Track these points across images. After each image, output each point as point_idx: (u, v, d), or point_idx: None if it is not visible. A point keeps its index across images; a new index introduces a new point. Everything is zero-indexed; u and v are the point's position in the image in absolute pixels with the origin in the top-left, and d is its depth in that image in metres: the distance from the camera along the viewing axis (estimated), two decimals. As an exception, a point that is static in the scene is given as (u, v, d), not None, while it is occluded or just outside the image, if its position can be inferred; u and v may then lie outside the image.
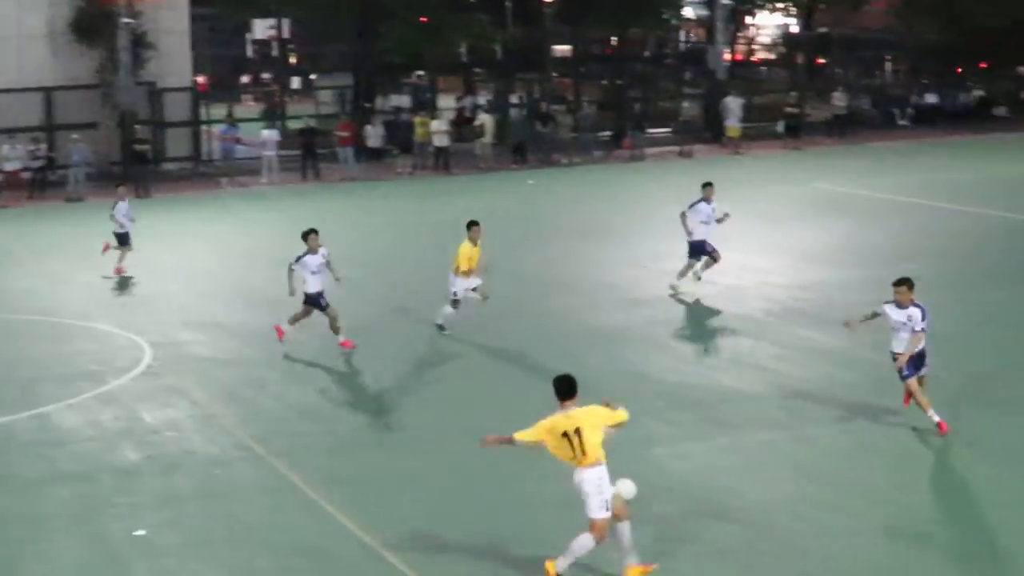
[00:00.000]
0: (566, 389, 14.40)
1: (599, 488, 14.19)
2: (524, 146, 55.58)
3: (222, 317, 28.83)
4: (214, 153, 56.25)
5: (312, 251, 25.37)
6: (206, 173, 55.24)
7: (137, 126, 52.03)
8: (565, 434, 14.15)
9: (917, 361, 19.27)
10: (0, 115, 52.56)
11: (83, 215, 44.85)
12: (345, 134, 53.65)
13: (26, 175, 50.35)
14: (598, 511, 14.21)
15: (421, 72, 70.36)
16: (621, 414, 14.49)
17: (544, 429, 14.36)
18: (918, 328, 18.75)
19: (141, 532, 16.70)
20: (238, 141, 54.16)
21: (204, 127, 57.62)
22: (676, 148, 58.05)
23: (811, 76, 77.70)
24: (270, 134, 53.24)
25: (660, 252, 34.38)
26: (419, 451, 19.65)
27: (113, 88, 52.39)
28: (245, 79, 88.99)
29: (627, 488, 14.58)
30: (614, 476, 14.38)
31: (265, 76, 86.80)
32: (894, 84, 75.07)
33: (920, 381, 19.38)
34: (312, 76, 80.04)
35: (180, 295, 31.23)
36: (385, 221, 42.71)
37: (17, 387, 23.63)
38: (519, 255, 34.66)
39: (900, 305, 18.96)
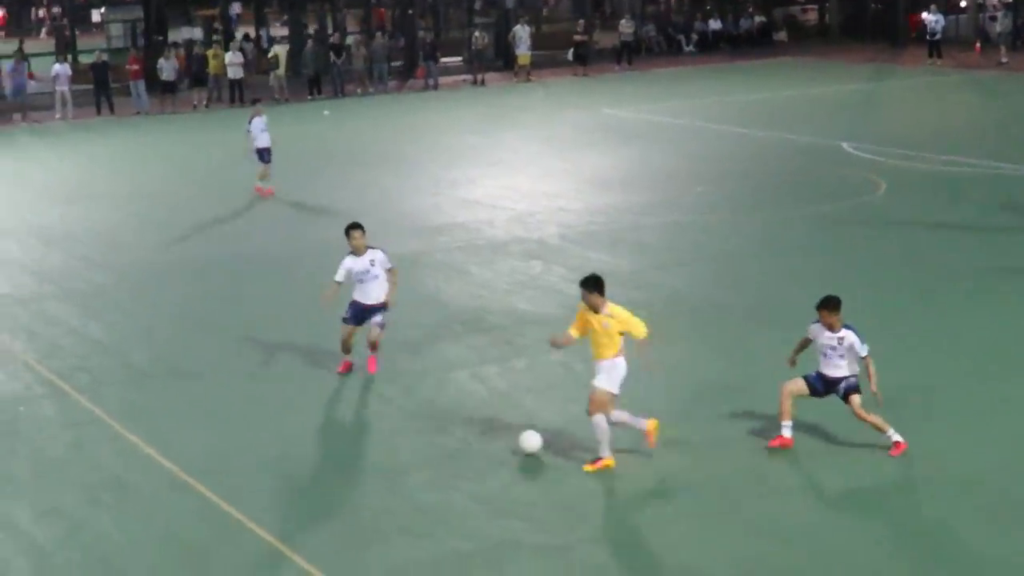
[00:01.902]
0: (592, 285, 16.06)
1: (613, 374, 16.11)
2: (318, 77, 55.53)
3: (17, 254, 28.60)
4: (5, 90, 55.12)
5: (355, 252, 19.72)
6: (-1, 109, 54.21)
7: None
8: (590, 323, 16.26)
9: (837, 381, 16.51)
10: None
11: None
12: (135, 67, 53.07)
13: None
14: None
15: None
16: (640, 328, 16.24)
17: (581, 320, 16.35)
18: (864, 353, 16.16)
19: (-54, 472, 16.77)
20: (30, 77, 53.13)
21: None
22: (469, 77, 58.53)
23: (598, 5, 78.52)
24: (61, 68, 52.39)
25: (455, 180, 34.87)
26: (213, 383, 19.91)
27: None
28: (40, 14, 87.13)
29: (531, 440, 16.40)
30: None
31: (56, 10, 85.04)
32: (678, 11, 76.31)
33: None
34: (101, 9, 78.55)
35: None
36: (176, 154, 42.47)
37: None
38: (314, 186, 34.86)
39: (830, 328, 16.33)
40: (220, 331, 22.33)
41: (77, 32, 70.15)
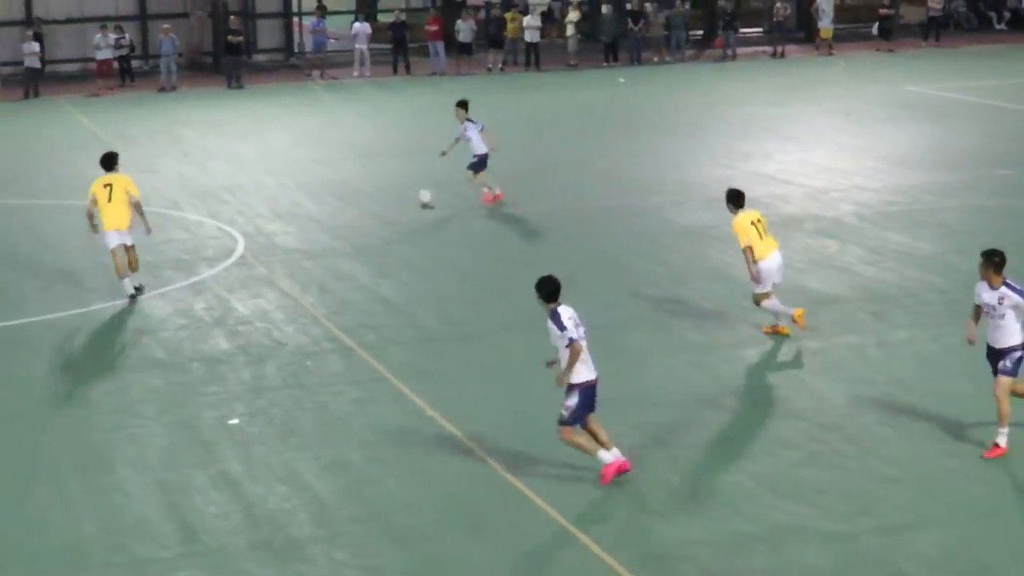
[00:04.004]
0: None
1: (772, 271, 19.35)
2: (615, 43, 55.17)
3: (311, 209, 28.98)
4: (306, 45, 56.28)
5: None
6: (297, 65, 55.38)
7: (232, 16, 52.10)
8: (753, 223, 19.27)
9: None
10: (94, 4, 52.94)
11: (174, 105, 45.14)
12: (434, 28, 53.49)
13: (116, 64, 50.68)
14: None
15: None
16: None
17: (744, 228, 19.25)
18: None
19: (235, 421, 16.95)
20: (329, 35, 54.17)
21: (296, 19, 57.69)
22: (768, 49, 57.45)
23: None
24: (361, 27, 53.13)
25: (749, 152, 34.19)
26: (499, 348, 19.77)
27: (205, -22, 52.59)
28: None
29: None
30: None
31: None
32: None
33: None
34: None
35: (269, 186, 31.42)
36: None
37: (106, 275, 23.82)
38: (606, 153, 34.56)
39: (990, 285, 15.22)
40: (511, 295, 22.09)
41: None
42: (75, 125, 41.31)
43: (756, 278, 19.33)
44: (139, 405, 17.66)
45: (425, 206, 26.91)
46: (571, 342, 14.36)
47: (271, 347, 19.85)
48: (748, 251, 19.23)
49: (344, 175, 32.42)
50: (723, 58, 55.72)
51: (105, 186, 22.11)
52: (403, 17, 54.19)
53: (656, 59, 55.19)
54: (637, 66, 53.94)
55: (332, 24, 54.95)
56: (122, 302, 22.09)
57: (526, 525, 14.00)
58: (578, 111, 42.56)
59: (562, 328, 14.41)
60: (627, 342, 19.64)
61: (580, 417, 14.66)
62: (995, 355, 15.25)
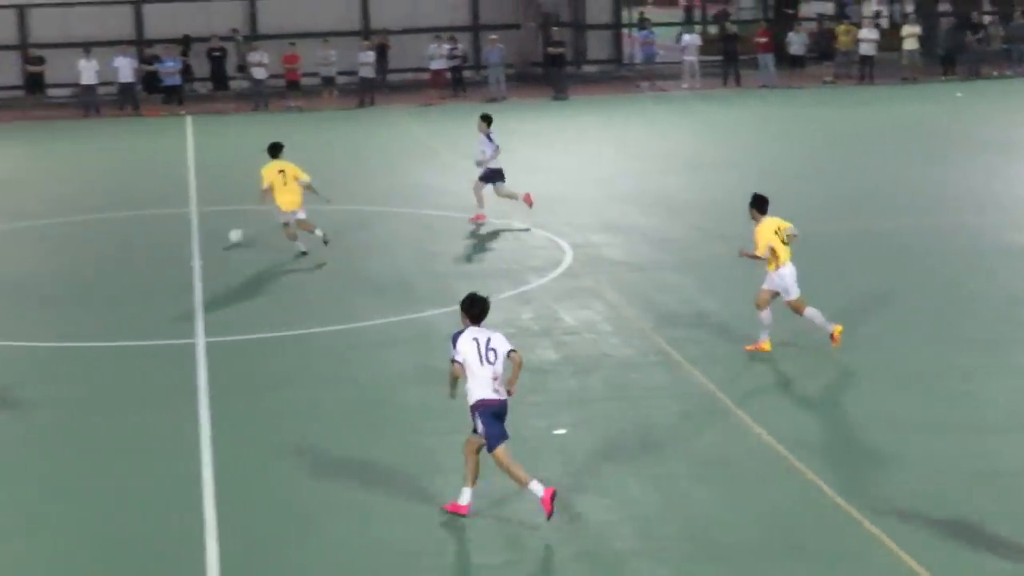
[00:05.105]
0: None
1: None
2: (952, 57, 53.71)
3: (637, 221, 28.94)
4: (635, 56, 56.48)
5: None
6: (626, 76, 55.60)
7: (554, 28, 52.63)
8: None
9: None
10: (428, 15, 54.10)
11: (502, 115, 45.66)
12: (764, 40, 53.01)
13: (448, 74, 51.67)
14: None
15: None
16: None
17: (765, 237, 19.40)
18: None
19: (561, 431, 16.94)
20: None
21: (625, 30, 58.00)
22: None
23: None
24: (691, 39, 53.10)
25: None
26: (833, 365, 19.32)
27: (537, -10, 53.25)
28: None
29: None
30: None
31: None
32: None
33: None
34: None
35: (596, 197, 31.51)
36: (800, 130, 42.14)
37: (437, 282, 24.25)
38: (937, 170, 33.64)
39: None
40: (849, 314, 21.66)
41: (706, 2, 70.93)
42: (405, 134, 42.22)
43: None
44: (464, 414, 17.76)
45: (232, 245, 27.12)
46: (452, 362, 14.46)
47: (596, 358, 19.81)
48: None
49: (670, 187, 32.31)
50: (1068, 73, 53.83)
51: (279, 172, 25.84)
52: (734, 29, 53.89)
53: (995, 73, 53.58)
54: (975, 80, 52.45)
55: (661, 36, 55.06)
56: (452, 309, 22.40)
57: (854, 552, 13.54)
58: (911, 126, 41.59)
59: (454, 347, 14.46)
60: (955, 362, 19.01)
61: (496, 437, 14.30)
62: None
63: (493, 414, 14.37)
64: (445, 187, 32.82)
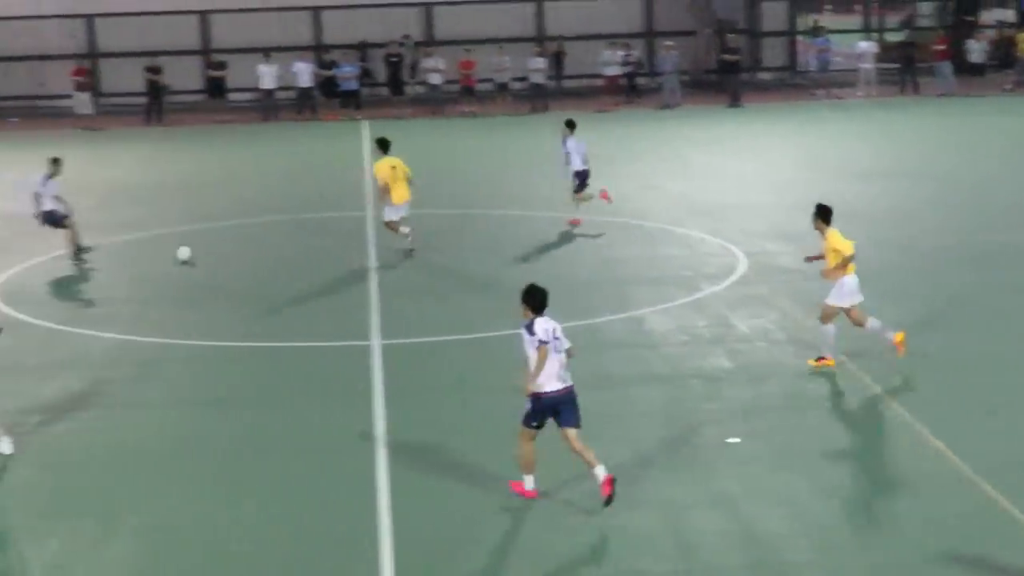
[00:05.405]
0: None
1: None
2: None
3: (812, 229, 28.60)
4: (809, 64, 56.07)
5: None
6: (800, 84, 55.19)
7: (729, 35, 52.43)
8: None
9: None
10: (602, 21, 54.20)
11: (675, 122, 45.66)
12: (942, 47, 52.25)
13: (622, 81, 51.72)
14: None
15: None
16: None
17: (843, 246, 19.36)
18: None
19: (735, 440, 16.89)
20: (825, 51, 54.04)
21: (800, 37, 57.63)
22: None
23: None
24: (868, 46, 52.58)
25: None
26: (998, 376, 19.01)
27: (712, -3, 53.14)
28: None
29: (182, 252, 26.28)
30: None
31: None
32: None
33: None
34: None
35: (769, 204, 31.34)
36: (979, 139, 41.47)
37: (611, 289, 24.34)
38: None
39: None
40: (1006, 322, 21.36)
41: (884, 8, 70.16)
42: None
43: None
44: (639, 417, 17.81)
45: (183, 263, 27.37)
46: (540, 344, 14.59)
47: (770, 367, 19.72)
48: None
49: (844, 196, 31.89)
50: None
51: (392, 167, 27.09)
52: (912, 36, 53.25)
53: None
54: None
55: (837, 43, 54.58)
56: (627, 315, 22.50)
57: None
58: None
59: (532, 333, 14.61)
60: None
61: (529, 423, 14.82)
62: None
63: (550, 405, 14.76)
64: (619, 193, 32.81)
